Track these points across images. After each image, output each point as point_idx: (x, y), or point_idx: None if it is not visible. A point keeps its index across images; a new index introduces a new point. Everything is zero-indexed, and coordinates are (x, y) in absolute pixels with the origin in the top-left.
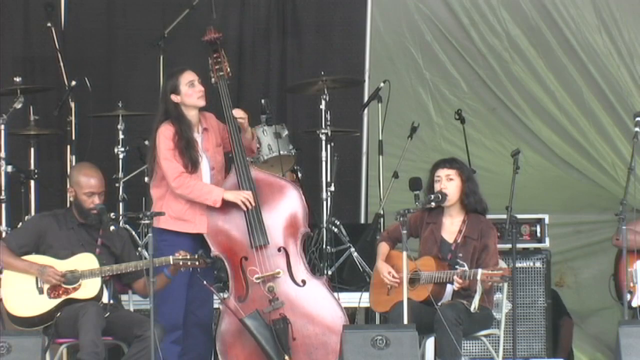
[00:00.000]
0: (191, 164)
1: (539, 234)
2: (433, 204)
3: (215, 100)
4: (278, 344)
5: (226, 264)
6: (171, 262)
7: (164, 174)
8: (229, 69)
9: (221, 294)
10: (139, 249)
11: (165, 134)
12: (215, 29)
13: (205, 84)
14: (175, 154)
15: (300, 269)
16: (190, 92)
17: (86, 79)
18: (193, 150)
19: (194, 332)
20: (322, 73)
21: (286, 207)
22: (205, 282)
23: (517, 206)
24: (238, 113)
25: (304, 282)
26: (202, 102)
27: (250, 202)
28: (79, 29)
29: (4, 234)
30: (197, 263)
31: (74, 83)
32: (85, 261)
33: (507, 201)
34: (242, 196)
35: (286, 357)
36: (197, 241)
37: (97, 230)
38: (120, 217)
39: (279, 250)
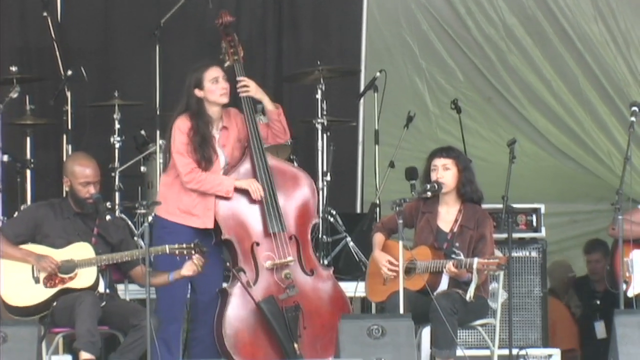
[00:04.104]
0: (205, 161)
1: (535, 224)
2: (429, 193)
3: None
4: (288, 331)
5: (236, 247)
6: (167, 252)
7: (175, 167)
8: (242, 53)
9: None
10: (135, 238)
11: (180, 127)
12: (229, 12)
13: (230, 81)
14: (189, 149)
15: (310, 259)
16: (213, 88)
17: (82, 68)
18: (208, 147)
19: (204, 321)
20: (319, 63)
21: (299, 196)
22: (228, 264)
23: (513, 196)
24: (243, 82)
25: (312, 271)
26: (224, 100)
27: (259, 194)
28: (75, 18)
29: (0, 224)
30: (193, 252)
31: (70, 72)
32: (81, 250)
33: (503, 191)
34: (254, 184)
35: (295, 345)
36: (199, 234)
37: (93, 220)
38: (117, 207)
39: (290, 238)
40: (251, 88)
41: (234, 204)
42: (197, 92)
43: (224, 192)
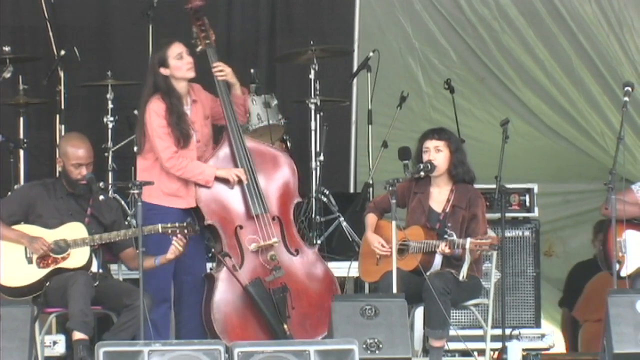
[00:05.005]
0: (183, 139)
1: (528, 204)
2: (422, 173)
3: (202, 70)
4: (277, 312)
5: (220, 232)
6: (160, 231)
7: (155, 151)
8: (214, 37)
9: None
10: (128, 218)
11: (156, 110)
12: None
13: (193, 54)
14: (167, 132)
15: (294, 238)
16: (179, 64)
17: (75, 48)
18: (184, 124)
19: (190, 303)
20: (312, 42)
21: (279, 176)
22: (213, 250)
23: (506, 175)
24: (219, 67)
25: (297, 251)
26: (191, 74)
27: (241, 179)
28: None
29: None
30: (185, 231)
31: (63, 52)
32: (74, 230)
33: (496, 171)
34: (233, 173)
35: (284, 326)
36: (188, 213)
37: (86, 200)
38: (110, 187)
39: (274, 219)
40: (227, 72)
41: (215, 189)
42: (163, 71)
43: (204, 181)
